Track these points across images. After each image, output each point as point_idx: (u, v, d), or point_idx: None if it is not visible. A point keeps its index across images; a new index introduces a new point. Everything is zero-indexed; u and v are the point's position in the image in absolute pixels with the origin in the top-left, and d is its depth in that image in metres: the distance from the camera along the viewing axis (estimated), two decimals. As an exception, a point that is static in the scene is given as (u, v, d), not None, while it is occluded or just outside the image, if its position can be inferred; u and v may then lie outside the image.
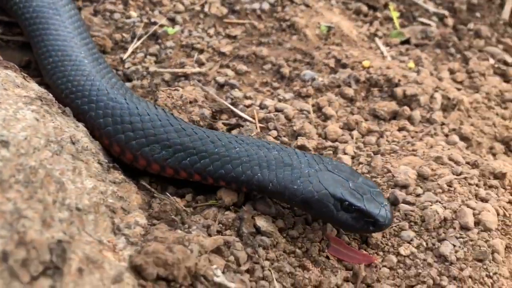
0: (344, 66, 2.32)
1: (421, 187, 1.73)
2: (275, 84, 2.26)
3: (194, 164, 1.59)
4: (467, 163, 1.85)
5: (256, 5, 2.59)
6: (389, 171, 1.79)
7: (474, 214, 1.60)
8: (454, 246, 1.52)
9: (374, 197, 1.49)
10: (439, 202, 1.64)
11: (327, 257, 1.50)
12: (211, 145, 1.60)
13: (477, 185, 1.74)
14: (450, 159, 1.84)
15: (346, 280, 1.47)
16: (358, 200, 1.47)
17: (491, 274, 1.47)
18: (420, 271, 1.48)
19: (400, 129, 2.03)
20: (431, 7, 2.78)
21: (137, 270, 1.21)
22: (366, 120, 2.09)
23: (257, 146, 1.62)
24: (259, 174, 1.55)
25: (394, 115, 2.12)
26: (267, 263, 1.45)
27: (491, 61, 2.50)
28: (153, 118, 1.63)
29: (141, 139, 1.61)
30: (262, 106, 2.07)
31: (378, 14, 2.71)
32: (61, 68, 1.84)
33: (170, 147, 1.60)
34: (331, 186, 1.49)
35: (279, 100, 2.14)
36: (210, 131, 1.67)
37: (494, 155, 2.05)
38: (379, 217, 1.44)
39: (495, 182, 1.76)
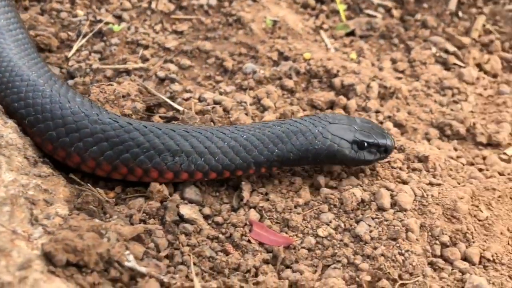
0: (286, 58, 2.37)
1: (345, 172, 1.78)
2: (218, 78, 2.30)
3: (210, 163, 1.62)
4: (394, 148, 1.90)
5: (203, 1, 2.63)
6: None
7: (392, 196, 1.65)
8: (370, 226, 1.57)
9: (377, 130, 1.75)
10: (360, 185, 1.70)
11: (249, 241, 1.54)
12: (220, 140, 1.64)
13: (400, 168, 1.80)
14: (377, 144, 1.89)
15: (266, 262, 1.51)
16: (369, 137, 1.72)
17: (403, 251, 1.52)
18: (336, 251, 1.53)
19: (334, 118, 2.07)
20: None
21: (47, 257, 1.25)
22: (304, 110, 2.14)
23: (259, 128, 1.71)
24: (276, 150, 1.67)
25: (331, 105, 2.18)
26: (187, 249, 1.50)
27: (433, 50, 2.55)
28: (152, 129, 1.61)
29: (149, 152, 1.58)
30: (201, 99, 2.11)
31: (325, 8, 2.76)
32: (14, 89, 1.71)
33: (182, 152, 1.60)
34: (344, 134, 1.71)
35: (220, 93, 2.18)
36: (211, 128, 1.70)
37: (429, 140, 2.11)
38: (388, 145, 1.73)
39: (418, 165, 1.82)
